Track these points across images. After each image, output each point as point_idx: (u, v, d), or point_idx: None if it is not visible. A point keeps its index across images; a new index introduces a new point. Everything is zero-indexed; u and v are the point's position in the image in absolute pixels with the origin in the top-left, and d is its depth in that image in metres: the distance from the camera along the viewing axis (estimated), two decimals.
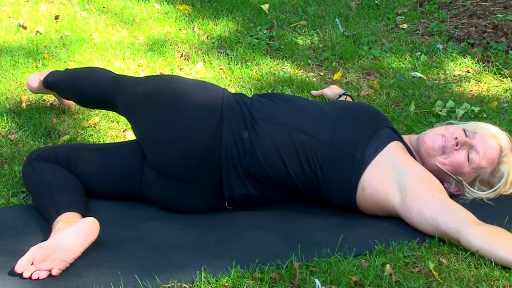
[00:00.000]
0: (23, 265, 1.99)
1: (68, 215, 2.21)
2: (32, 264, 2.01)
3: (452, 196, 2.35)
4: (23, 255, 2.01)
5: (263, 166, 2.27)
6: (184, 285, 1.97)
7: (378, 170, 2.25)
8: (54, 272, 2.02)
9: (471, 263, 2.07)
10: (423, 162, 2.37)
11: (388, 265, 2.04)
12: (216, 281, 1.98)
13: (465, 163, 2.37)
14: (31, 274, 2.00)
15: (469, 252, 2.10)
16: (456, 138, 2.36)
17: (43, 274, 2.01)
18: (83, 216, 2.22)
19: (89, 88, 2.64)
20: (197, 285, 1.97)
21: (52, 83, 2.79)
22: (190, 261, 2.08)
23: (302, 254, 2.08)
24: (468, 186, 2.38)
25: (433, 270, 2.04)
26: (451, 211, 2.17)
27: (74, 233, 2.09)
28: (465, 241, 2.10)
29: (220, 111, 2.30)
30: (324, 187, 2.29)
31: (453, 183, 2.39)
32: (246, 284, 1.97)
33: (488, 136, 2.39)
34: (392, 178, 2.24)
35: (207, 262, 2.05)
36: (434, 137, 2.39)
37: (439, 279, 2.01)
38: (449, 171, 2.36)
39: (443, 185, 2.34)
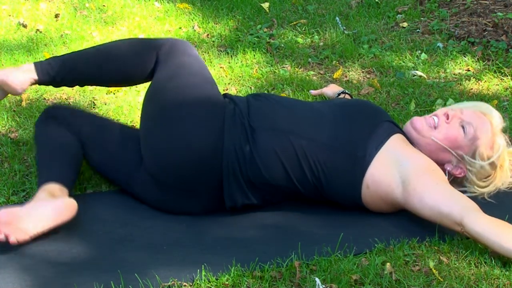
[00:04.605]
0: None
1: (55, 187, 2.23)
2: None
3: (456, 185, 2.36)
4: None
5: (264, 176, 2.26)
6: (185, 283, 1.97)
7: (380, 165, 2.25)
8: (10, 239, 2.03)
9: (471, 262, 2.07)
10: (420, 147, 2.37)
11: (388, 264, 2.04)
12: (217, 279, 1.98)
13: (460, 134, 2.36)
14: None
15: (469, 251, 2.10)
16: (445, 113, 2.39)
17: (1, 236, 2.03)
18: (69, 194, 2.25)
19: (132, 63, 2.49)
20: (197, 283, 1.97)
21: (64, 73, 2.47)
22: (190, 260, 2.08)
23: (302, 252, 2.08)
24: (470, 159, 2.36)
25: (433, 269, 2.04)
26: (455, 198, 2.16)
27: (49, 209, 2.10)
28: (469, 224, 2.08)
29: (222, 125, 2.26)
30: (327, 190, 2.28)
31: (454, 161, 2.38)
32: (246, 283, 1.97)
33: (476, 112, 2.41)
34: (394, 170, 2.24)
35: (207, 260, 2.05)
36: (420, 118, 2.41)
37: (439, 278, 2.01)
38: (447, 145, 2.36)
39: (444, 167, 2.35)
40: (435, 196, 2.17)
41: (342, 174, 2.26)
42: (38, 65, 2.45)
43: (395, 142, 2.29)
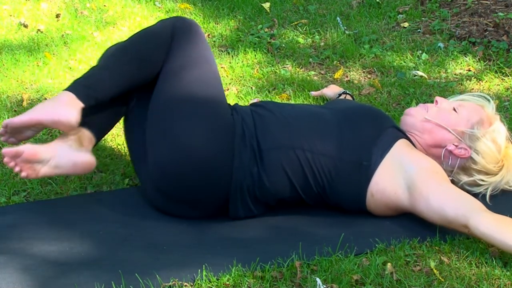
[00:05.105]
0: (10, 152, 2.11)
1: (87, 136, 2.28)
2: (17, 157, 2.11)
3: (464, 174, 2.37)
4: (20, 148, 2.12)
5: (270, 191, 2.26)
6: (185, 283, 1.97)
7: (385, 173, 2.24)
8: (21, 174, 2.13)
9: (472, 262, 2.07)
10: (417, 131, 2.39)
11: (389, 264, 2.04)
12: (217, 279, 1.98)
13: (454, 113, 2.39)
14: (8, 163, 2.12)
15: (470, 251, 2.10)
16: (435, 101, 2.45)
17: (16, 169, 2.12)
18: (94, 146, 2.32)
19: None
20: (198, 283, 1.97)
21: (107, 83, 2.30)
22: (191, 260, 2.08)
23: (303, 252, 2.08)
24: (471, 130, 2.35)
25: (434, 269, 2.04)
26: (459, 198, 2.16)
27: (69, 162, 2.18)
28: (475, 225, 2.07)
29: (232, 143, 2.24)
30: (331, 198, 2.28)
31: (454, 141, 2.37)
32: (247, 283, 1.97)
33: (466, 101, 2.45)
34: (399, 177, 2.23)
35: (208, 260, 2.05)
36: (412, 108, 2.48)
37: (440, 278, 2.01)
38: (443, 123, 2.37)
39: (446, 149, 2.35)
40: (439, 197, 2.16)
41: (347, 182, 2.25)
42: (76, 92, 2.23)
43: (399, 148, 2.28)
